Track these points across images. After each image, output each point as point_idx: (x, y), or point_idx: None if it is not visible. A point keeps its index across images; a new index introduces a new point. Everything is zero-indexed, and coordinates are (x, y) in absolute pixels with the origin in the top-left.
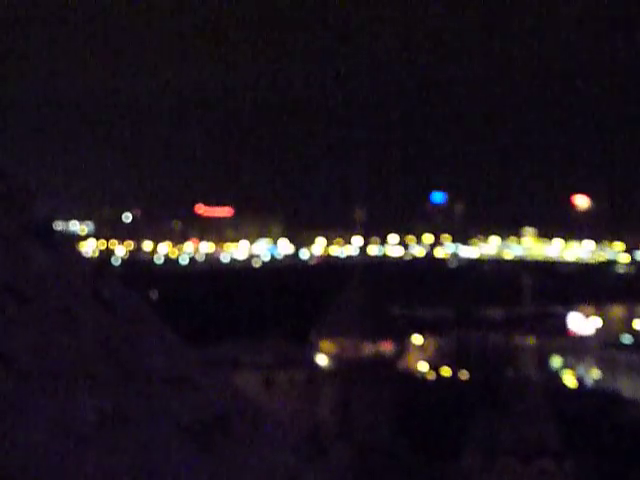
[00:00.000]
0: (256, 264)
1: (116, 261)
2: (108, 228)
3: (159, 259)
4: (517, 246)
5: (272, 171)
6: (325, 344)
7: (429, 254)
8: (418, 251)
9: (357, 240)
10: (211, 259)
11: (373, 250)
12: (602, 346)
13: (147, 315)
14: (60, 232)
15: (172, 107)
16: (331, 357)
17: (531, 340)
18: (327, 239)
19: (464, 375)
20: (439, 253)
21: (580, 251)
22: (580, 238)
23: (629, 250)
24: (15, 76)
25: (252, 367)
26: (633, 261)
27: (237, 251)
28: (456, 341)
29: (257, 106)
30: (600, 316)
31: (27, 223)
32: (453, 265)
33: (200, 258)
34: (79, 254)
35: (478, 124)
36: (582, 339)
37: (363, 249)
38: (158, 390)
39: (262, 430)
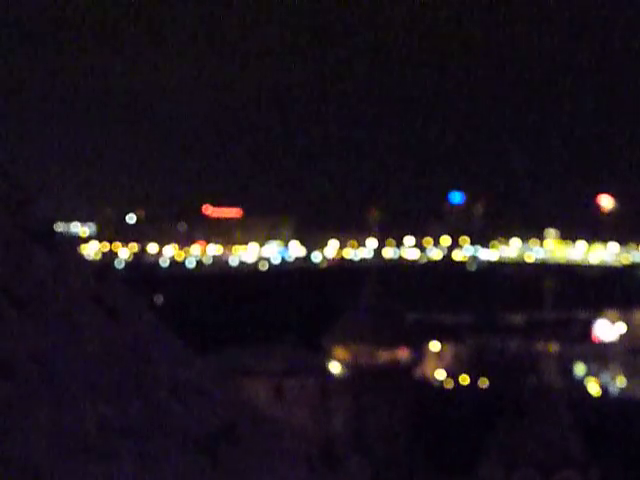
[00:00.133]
0: (262, 267)
1: (119, 264)
2: (111, 230)
3: (164, 262)
4: (539, 248)
5: (283, 171)
6: (338, 351)
7: (447, 257)
8: (435, 254)
9: (372, 242)
10: (219, 262)
11: (388, 253)
12: (627, 353)
13: (151, 321)
14: (61, 234)
15: (178, 105)
16: (344, 364)
17: (553, 346)
18: (340, 241)
19: (483, 383)
20: (457, 256)
21: (604, 254)
22: (604, 240)
23: None
24: (18, 76)
25: (262, 375)
26: None
27: (246, 254)
28: (475, 348)
29: (268, 105)
30: (625, 321)
31: (27, 225)
32: (472, 268)
33: (207, 261)
34: (81, 257)
35: (499, 122)
36: (606, 345)
37: (378, 251)
38: (163, 399)
39: (272, 441)
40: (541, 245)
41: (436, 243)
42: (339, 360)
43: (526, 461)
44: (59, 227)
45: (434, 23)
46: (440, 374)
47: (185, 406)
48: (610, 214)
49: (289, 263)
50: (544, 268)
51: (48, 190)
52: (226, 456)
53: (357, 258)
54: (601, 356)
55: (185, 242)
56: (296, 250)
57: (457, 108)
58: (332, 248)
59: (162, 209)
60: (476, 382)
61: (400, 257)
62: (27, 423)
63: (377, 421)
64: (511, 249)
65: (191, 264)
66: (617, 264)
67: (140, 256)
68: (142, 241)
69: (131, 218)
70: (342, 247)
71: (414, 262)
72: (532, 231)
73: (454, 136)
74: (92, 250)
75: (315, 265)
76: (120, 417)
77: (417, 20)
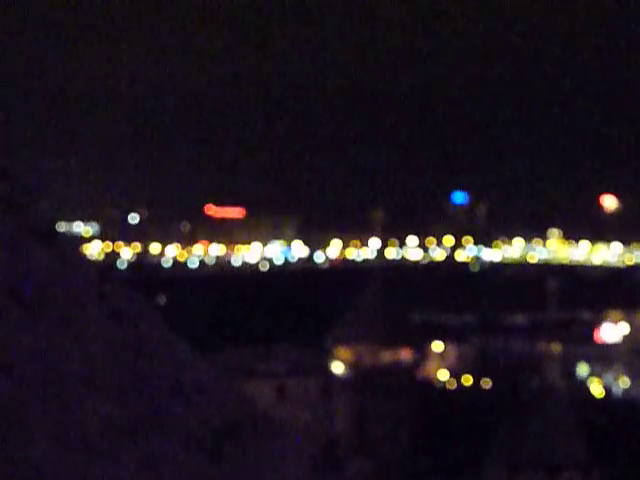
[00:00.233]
0: (263, 267)
1: (122, 264)
2: (114, 230)
3: (167, 262)
4: (542, 249)
5: (286, 170)
6: (341, 351)
7: (450, 257)
8: (438, 254)
9: (374, 242)
10: (221, 262)
11: (391, 253)
12: (630, 353)
13: (154, 321)
14: (63, 234)
15: (180, 104)
16: (347, 365)
17: (557, 347)
18: (343, 241)
19: (486, 384)
20: (460, 256)
21: (608, 254)
22: (608, 240)
23: None
24: (19, 75)
25: (264, 375)
26: None
27: (249, 254)
28: (478, 348)
29: (269, 103)
30: (628, 322)
31: (29, 224)
32: (475, 268)
33: (210, 261)
34: (83, 257)
35: (501, 121)
36: (609, 346)
37: (381, 252)
38: (166, 399)
39: (274, 442)
40: (544, 245)
41: (439, 243)
42: (342, 360)
43: (529, 462)
44: (62, 227)
45: (435, 23)
46: (443, 374)
47: (188, 406)
48: (613, 214)
49: (292, 263)
50: (547, 269)
51: (51, 190)
52: (229, 456)
53: (360, 258)
54: (604, 357)
55: (188, 242)
56: (299, 250)
57: (460, 108)
58: (335, 248)
59: (165, 209)
60: (479, 383)
61: (403, 257)
62: (28, 423)
63: (379, 421)
64: (514, 249)
65: (194, 264)
66: (620, 264)
67: (143, 256)
68: (145, 241)
69: (134, 218)
70: (345, 247)
71: (417, 262)
72: (535, 231)
73: (457, 136)
74: (95, 250)
75: (318, 265)
76: (122, 417)
77: (420, 19)
